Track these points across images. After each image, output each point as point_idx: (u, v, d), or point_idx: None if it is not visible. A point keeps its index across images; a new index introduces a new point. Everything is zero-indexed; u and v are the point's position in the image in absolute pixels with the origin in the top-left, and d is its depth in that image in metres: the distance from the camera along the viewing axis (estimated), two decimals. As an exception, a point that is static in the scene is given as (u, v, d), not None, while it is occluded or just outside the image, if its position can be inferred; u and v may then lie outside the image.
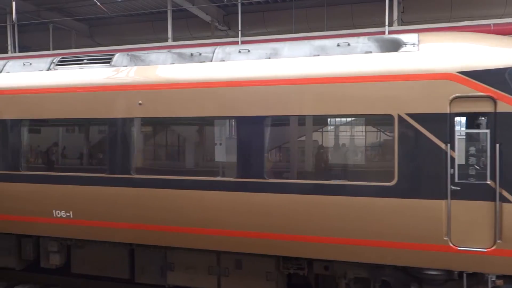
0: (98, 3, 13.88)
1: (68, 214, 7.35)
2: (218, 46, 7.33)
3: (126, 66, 7.43)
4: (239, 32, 16.11)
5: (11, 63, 8.34)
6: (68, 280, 8.60)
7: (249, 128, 6.52)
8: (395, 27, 14.08)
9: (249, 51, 6.95)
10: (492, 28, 12.68)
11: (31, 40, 20.59)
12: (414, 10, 16.17)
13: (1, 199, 7.77)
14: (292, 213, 6.31)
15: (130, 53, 7.71)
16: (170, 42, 16.32)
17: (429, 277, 6.12)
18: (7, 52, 18.62)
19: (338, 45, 6.53)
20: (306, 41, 6.95)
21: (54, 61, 7.98)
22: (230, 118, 6.77)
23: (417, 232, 5.87)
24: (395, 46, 6.26)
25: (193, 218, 6.75)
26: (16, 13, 15.09)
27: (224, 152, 6.98)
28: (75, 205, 7.31)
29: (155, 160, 7.75)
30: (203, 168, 7.44)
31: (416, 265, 6.02)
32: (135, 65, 7.40)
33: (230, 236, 6.61)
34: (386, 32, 13.34)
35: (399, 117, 5.90)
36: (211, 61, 7.03)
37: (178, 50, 7.46)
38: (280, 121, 6.65)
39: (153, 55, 7.46)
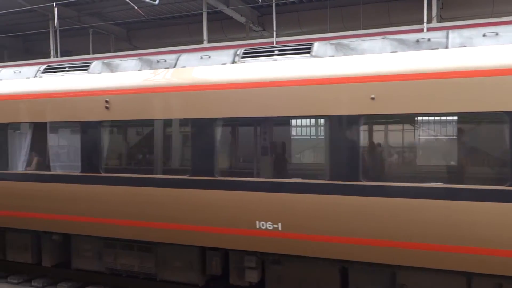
0: (136, 7, 14.15)
1: (275, 226, 6.36)
2: (451, 30, 6.22)
3: (332, 56, 6.47)
4: (274, 33, 16.11)
5: (184, 56, 7.64)
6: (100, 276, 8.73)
7: None
8: (434, 24, 13.73)
9: (497, 34, 5.88)
10: (537, 23, 12.17)
11: (72, 44, 21.23)
12: (454, 6, 15.72)
13: (190, 208, 6.90)
14: None
15: (332, 41, 6.82)
16: (205, 44, 16.48)
17: None
18: (49, 57, 19.29)
19: None
20: None
21: (238, 53, 7.16)
22: (503, 113, 5.35)
23: None
24: None
25: (440, 233, 5.55)
26: (57, 19, 15.57)
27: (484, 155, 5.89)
28: (286, 216, 6.31)
29: (387, 165, 6.63)
30: (455, 173, 6.15)
31: None
32: (344, 55, 6.44)
33: (489, 255, 5.41)
34: (425, 30, 13.02)
35: None
36: (446, 47, 5.98)
37: (396, 37, 6.50)
38: None
39: (366, 43, 6.50)
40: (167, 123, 7.46)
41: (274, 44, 7.00)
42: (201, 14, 17.30)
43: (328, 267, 6.54)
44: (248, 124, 7.19)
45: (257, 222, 6.43)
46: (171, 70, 7.32)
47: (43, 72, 8.59)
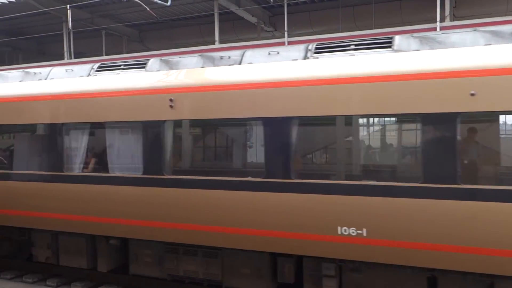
0: (148, 9, 14.25)
1: (360, 232, 5.93)
2: None
3: (417, 50, 6.09)
4: (285, 33, 16.10)
5: (250, 53, 7.28)
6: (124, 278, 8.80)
7: None
8: (447, 23, 13.60)
9: None
10: (553, 20, 11.99)
11: (85, 46, 21.45)
12: (467, 4, 15.56)
13: (263, 212, 6.46)
14: None
15: (415, 35, 6.44)
16: (217, 45, 16.53)
17: None
18: (63, 59, 19.51)
19: None
20: None
21: (309, 48, 6.79)
22: None
23: None
24: None
25: None
26: (71, 21, 15.74)
27: None
28: (372, 221, 5.86)
29: (488, 166, 6.11)
30: None
31: None
32: (430, 49, 6.02)
33: None
34: (438, 29, 12.91)
35: None
36: None
37: (488, 28, 6.06)
38: None
39: (455, 36, 6.10)
40: (238, 122, 7.10)
41: (350, 40, 6.58)
42: (213, 15, 17.38)
43: (415, 275, 6.05)
44: (326, 123, 6.76)
45: (339, 228, 6.03)
46: (241, 66, 6.98)
47: (96, 71, 8.35)
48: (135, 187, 7.37)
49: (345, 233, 5.99)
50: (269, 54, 7.04)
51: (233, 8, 16.83)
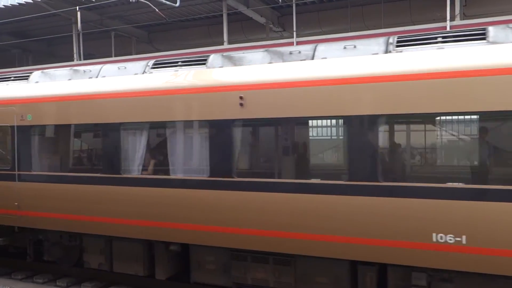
0: (157, 10, 14.29)
1: (458, 239, 5.53)
2: None
3: None
4: (294, 33, 16.06)
5: (322, 47, 6.88)
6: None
7: None
8: (457, 22, 13.48)
9: None
10: None
11: (95, 48, 21.56)
12: (478, 3, 15.41)
13: (346, 217, 6.05)
14: None
15: (510, 25, 6.03)
16: (225, 45, 16.54)
17: None
18: (73, 60, 19.61)
19: None
20: None
21: (390, 41, 6.39)
22: None
23: None
24: None
25: None
26: (80, 22, 15.83)
27: None
28: (473, 228, 5.44)
29: None
30: None
31: None
32: None
33: None
34: (448, 28, 12.79)
35: None
36: None
37: None
38: None
39: None
40: (315, 120, 6.77)
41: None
42: (221, 15, 17.39)
43: None
44: (418, 121, 6.38)
45: (434, 235, 5.61)
46: (323, 61, 6.58)
47: (152, 68, 8.03)
48: (200, 190, 7.04)
49: (441, 241, 5.59)
50: (345, 48, 6.66)
51: (242, 8, 16.82)
